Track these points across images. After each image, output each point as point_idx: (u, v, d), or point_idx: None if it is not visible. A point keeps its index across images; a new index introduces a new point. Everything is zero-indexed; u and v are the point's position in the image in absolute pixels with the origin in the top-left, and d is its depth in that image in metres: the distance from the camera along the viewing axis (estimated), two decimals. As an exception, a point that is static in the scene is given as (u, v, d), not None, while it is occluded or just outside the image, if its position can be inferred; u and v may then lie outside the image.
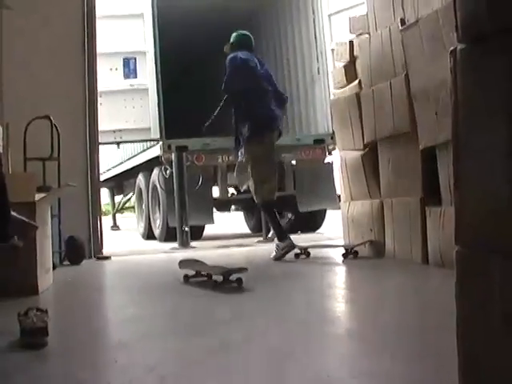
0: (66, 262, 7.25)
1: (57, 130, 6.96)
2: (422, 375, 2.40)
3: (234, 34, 7.39)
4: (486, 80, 1.69)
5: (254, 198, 7.00)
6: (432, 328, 3.17)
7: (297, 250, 6.84)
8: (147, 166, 11.45)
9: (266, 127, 6.95)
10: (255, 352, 2.91)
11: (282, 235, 6.81)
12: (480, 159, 1.74)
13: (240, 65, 6.98)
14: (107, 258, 7.92)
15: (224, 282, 4.77)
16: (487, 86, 1.69)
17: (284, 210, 10.52)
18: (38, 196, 5.04)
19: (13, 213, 3.04)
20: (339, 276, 6.08)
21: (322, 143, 10.73)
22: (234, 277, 4.76)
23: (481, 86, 1.72)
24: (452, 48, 1.82)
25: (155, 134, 10.10)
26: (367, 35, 6.77)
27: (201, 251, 8.03)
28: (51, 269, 5.62)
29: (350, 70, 7.18)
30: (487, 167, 1.70)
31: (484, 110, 1.72)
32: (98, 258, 7.88)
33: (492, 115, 1.66)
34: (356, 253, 6.53)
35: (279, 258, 6.64)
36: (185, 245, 9.15)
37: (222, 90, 7.15)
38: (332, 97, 8.18)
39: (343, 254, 6.55)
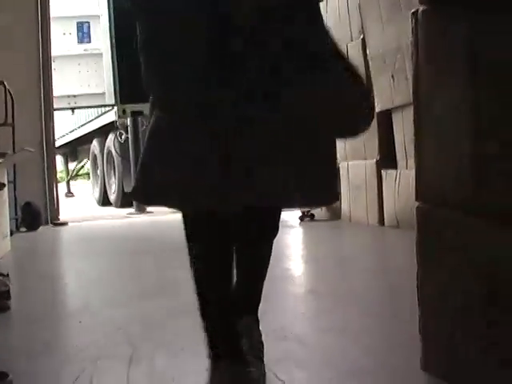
0: (23, 229, 7.20)
1: (10, 95, 6.87)
2: (384, 330, 2.48)
3: None
4: (448, 41, 1.73)
5: None
6: (391, 286, 3.25)
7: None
8: (102, 132, 11.34)
9: None
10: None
11: None
12: (441, 118, 1.79)
13: None
14: (64, 224, 7.87)
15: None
16: (449, 47, 1.74)
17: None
18: (-7, 161, 5.01)
19: None
20: (297, 238, 6.13)
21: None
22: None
23: (442, 46, 1.77)
24: (414, 10, 1.86)
25: (110, 99, 9.99)
26: (323, -1, 6.77)
27: (157, 216, 8.04)
28: (9, 235, 5.59)
29: (306, 34, 7.18)
30: (448, 125, 1.75)
31: (446, 70, 1.76)
32: (55, 225, 7.83)
33: (454, 75, 1.71)
34: (312, 215, 6.60)
35: None
36: (141, 210, 9.11)
37: None
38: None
39: (300, 217, 6.60)
